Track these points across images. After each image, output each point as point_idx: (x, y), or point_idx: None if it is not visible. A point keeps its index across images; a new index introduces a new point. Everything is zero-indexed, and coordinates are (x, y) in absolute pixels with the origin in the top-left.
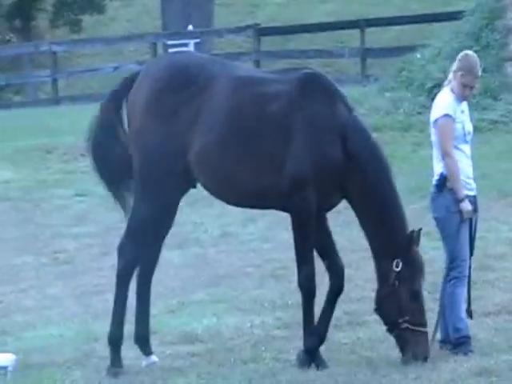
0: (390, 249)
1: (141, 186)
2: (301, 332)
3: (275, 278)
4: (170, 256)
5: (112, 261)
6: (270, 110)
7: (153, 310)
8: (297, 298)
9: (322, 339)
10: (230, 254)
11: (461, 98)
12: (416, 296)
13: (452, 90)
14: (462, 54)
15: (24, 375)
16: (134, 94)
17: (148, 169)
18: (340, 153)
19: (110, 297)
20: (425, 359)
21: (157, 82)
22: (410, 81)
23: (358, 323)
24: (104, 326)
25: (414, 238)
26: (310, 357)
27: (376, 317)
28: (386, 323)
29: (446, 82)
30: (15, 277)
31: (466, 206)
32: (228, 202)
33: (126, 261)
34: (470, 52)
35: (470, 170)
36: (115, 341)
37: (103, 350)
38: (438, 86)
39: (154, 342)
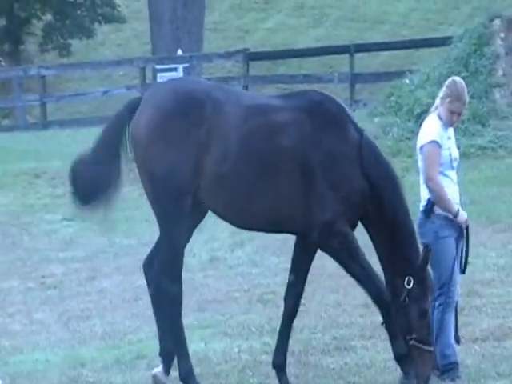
0: (403, 266)
1: (157, 214)
2: (289, 358)
3: (263, 302)
4: None
5: (99, 285)
6: (283, 143)
7: (140, 335)
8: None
9: None
10: (217, 279)
11: (448, 124)
12: (424, 314)
13: (439, 117)
14: (449, 80)
15: None
16: (138, 119)
17: (161, 194)
18: (360, 177)
19: (98, 322)
20: (427, 379)
21: (161, 107)
22: (399, 106)
23: (345, 348)
24: (91, 352)
25: (425, 257)
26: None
27: (364, 342)
28: (392, 338)
29: (432, 108)
30: (2, 301)
31: (462, 216)
32: (241, 227)
33: (173, 291)
34: (457, 78)
35: (457, 195)
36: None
37: (90, 375)
38: (427, 111)
39: (141, 366)
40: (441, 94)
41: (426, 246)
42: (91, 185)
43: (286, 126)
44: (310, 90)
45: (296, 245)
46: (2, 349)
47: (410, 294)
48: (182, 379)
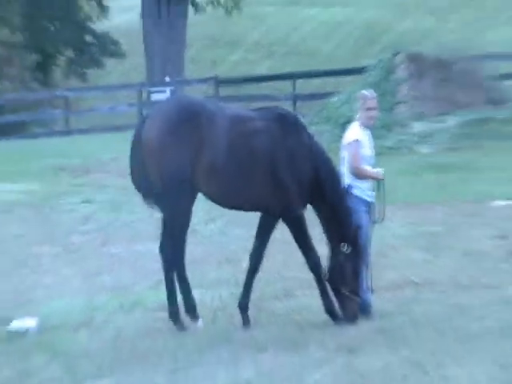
0: (340, 236)
1: (165, 197)
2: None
3: (229, 262)
4: (151, 246)
5: (109, 251)
6: (257, 144)
7: (139, 287)
8: (244, 277)
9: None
10: (195, 245)
11: (369, 123)
12: (356, 272)
13: (360, 123)
14: (358, 93)
15: (43, 335)
16: (149, 127)
17: (168, 182)
18: (310, 170)
19: (107, 277)
20: (353, 321)
21: (168, 117)
22: (329, 118)
23: (290, 296)
24: (102, 299)
25: (358, 229)
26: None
27: (303, 291)
28: (332, 289)
29: (357, 118)
30: (37, 262)
31: (380, 173)
32: (225, 207)
33: (168, 256)
34: (363, 90)
35: (371, 183)
36: (175, 314)
37: (101, 316)
38: (349, 121)
39: (140, 310)
40: (358, 105)
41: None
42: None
43: (259, 131)
44: (275, 106)
45: (261, 218)
46: (37, 296)
47: (346, 256)
48: (170, 317)
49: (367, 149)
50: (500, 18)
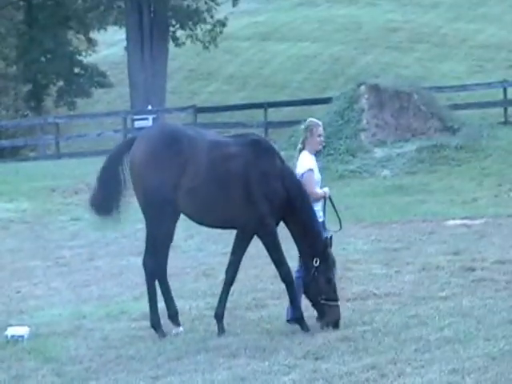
0: (311, 250)
1: (149, 216)
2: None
3: (206, 276)
4: (135, 260)
5: (96, 264)
6: (232, 167)
7: (123, 297)
8: (220, 289)
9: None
10: (175, 260)
11: (317, 149)
12: (329, 281)
13: (309, 150)
14: (305, 122)
15: (35, 342)
16: (135, 150)
17: (152, 202)
18: (282, 190)
19: (94, 288)
20: (336, 324)
21: (152, 142)
22: (297, 143)
23: (261, 306)
24: (89, 308)
25: (327, 243)
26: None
27: (274, 301)
28: (310, 300)
29: (302, 146)
30: (29, 275)
31: (326, 191)
32: (204, 225)
33: (151, 269)
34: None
35: (321, 205)
36: (156, 323)
37: (89, 324)
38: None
39: (124, 318)
40: (305, 133)
41: (327, 237)
42: (103, 201)
43: (234, 156)
44: (251, 133)
45: (237, 235)
46: (29, 307)
47: (318, 269)
48: (151, 326)
49: (317, 173)
50: (459, 53)
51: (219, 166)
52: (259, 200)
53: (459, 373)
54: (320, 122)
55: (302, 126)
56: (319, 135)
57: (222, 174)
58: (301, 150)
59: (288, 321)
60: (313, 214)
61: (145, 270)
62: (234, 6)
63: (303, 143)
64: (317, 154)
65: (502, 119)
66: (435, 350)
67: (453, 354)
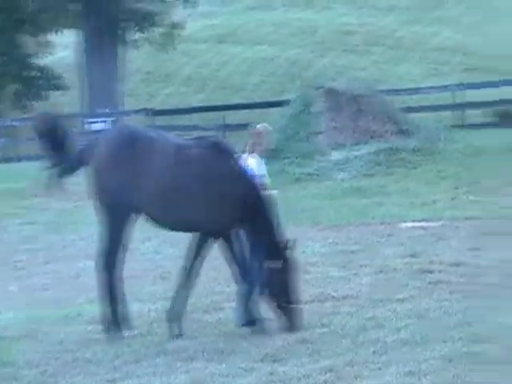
0: (271, 253)
1: (106, 217)
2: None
3: (163, 278)
4: (91, 264)
5: (52, 267)
6: (193, 169)
7: (79, 300)
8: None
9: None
10: (133, 262)
11: (265, 152)
12: (290, 282)
13: (259, 152)
14: (258, 127)
15: None
16: (97, 152)
17: (108, 203)
18: (240, 190)
19: (51, 292)
20: (300, 324)
21: (109, 145)
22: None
23: (219, 308)
24: (46, 311)
25: (288, 247)
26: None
27: (230, 304)
28: (274, 303)
29: (247, 149)
30: None
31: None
32: (168, 228)
33: (102, 270)
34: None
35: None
36: (111, 325)
37: (46, 327)
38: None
39: (81, 321)
40: (252, 139)
41: (287, 240)
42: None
43: (195, 157)
44: (211, 136)
45: (199, 238)
46: None
47: (278, 270)
48: (108, 329)
49: (262, 175)
50: (414, 56)
51: (181, 168)
52: (219, 202)
53: (416, 375)
54: (268, 126)
55: (251, 130)
56: (267, 139)
57: (183, 176)
58: (249, 153)
59: (243, 325)
60: (271, 215)
61: (97, 273)
62: (184, 7)
63: (252, 146)
64: (267, 157)
65: (457, 122)
66: (392, 352)
67: (409, 355)
